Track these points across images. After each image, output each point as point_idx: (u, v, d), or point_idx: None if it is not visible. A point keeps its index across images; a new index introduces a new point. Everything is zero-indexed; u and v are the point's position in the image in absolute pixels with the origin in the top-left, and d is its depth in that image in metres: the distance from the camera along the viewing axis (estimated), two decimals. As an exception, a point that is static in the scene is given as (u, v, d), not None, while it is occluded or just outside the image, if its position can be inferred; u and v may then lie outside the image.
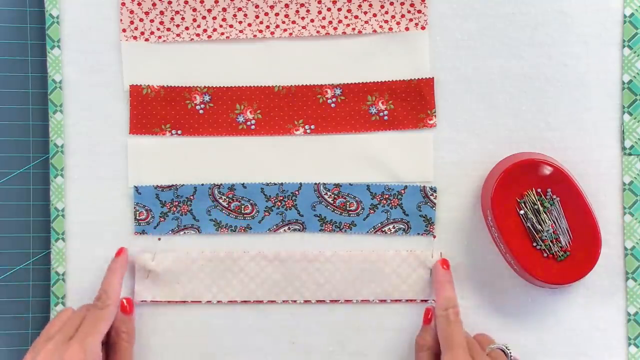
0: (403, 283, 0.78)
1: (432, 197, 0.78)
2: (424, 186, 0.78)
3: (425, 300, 0.78)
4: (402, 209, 0.78)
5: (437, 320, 0.74)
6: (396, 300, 0.78)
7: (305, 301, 0.78)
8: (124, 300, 0.76)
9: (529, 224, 0.75)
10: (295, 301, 0.78)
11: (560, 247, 0.75)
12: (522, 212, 0.75)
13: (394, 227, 0.78)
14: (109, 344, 0.75)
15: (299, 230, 0.79)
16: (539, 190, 0.75)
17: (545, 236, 0.75)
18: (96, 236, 0.79)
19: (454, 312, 0.74)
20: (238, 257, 0.78)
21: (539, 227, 0.75)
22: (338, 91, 0.79)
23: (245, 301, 0.78)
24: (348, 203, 0.79)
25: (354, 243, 0.79)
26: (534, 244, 0.75)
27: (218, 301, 0.78)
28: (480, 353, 0.72)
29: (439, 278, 0.76)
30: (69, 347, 0.70)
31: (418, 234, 0.78)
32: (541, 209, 0.75)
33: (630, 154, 0.78)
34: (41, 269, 0.80)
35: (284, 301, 0.78)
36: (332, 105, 0.79)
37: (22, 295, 0.80)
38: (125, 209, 0.79)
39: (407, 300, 0.78)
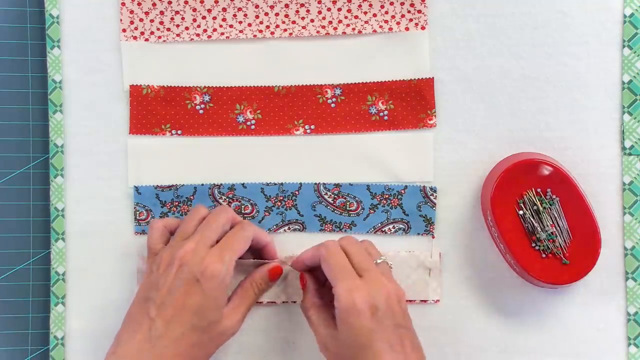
0: (402, 283, 0.78)
1: (432, 197, 0.78)
2: (424, 186, 0.78)
3: (425, 301, 0.78)
4: (402, 209, 0.78)
5: (320, 261, 0.72)
6: (396, 300, 0.78)
7: None
8: (275, 266, 0.76)
9: (528, 224, 0.75)
10: (295, 302, 0.78)
11: (560, 247, 0.75)
12: (521, 212, 0.75)
13: (393, 227, 0.78)
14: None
15: (299, 230, 0.79)
16: (538, 190, 0.75)
17: (545, 236, 0.75)
18: (96, 236, 0.79)
19: (333, 243, 0.72)
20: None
21: (538, 227, 0.75)
22: (338, 91, 0.79)
23: (245, 301, 0.78)
24: (348, 203, 0.79)
25: (354, 243, 0.79)
26: (534, 244, 0.75)
27: (218, 301, 0.78)
28: (369, 268, 0.70)
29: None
30: (210, 253, 0.70)
31: (418, 234, 0.78)
32: (541, 209, 0.75)
33: (630, 154, 0.78)
34: (41, 269, 0.80)
35: (283, 302, 0.78)
36: (332, 105, 0.79)
37: (22, 295, 0.80)
38: (125, 209, 0.79)
39: (406, 301, 0.78)
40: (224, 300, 0.71)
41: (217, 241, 0.72)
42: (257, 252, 0.77)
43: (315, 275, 0.75)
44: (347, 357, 0.68)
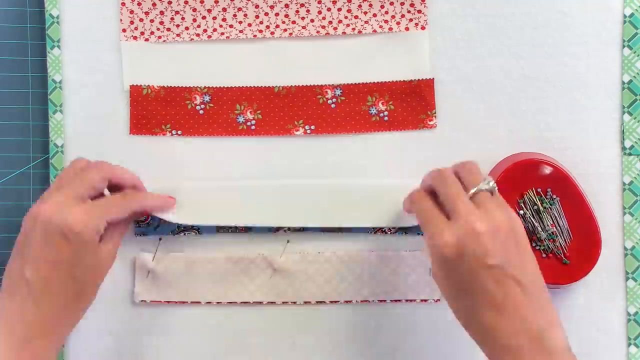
0: (403, 283, 0.78)
1: None
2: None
3: (425, 300, 0.78)
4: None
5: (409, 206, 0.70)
6: (396, 301, 0.78)
7: (305, 302, 0.78)
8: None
9: (528, 224, 0.75)
10: (295, 302, 0.78)
11: (560, 247, 0.75)
12: (521, 212, 0.75)
13: (394, 227, 0.78)
14: None
15: (299, 230, 0.79)
16: (539, 190, 0.75)
17: (545, 236, 0.75)
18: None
19: (418, 190, 0.69)
20: (238, 259, 0.78)
21: (539, 227, 0.75)
22: (338, 91, 0.79)
23: (244, 302, 0.78)
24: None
25: (354, 244, 0.79)
26: (534, 244, 0.75)
27: (218, 302, 0.78)
28: (455, 208, 0.65)
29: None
30: (76, 209, 0.67)
31: (418, 234, 0.78)
32: (541, 208, 0.75)
33: (630, 154, 0.78)
34: (41, 269, 0.80)
35: (283, 302, 0.78)
36: (332, 105, 0.79)
37: (22, 295, 0.80)
38: (125, 209, 0.79)
39: (406, 301, 0.78)
40: (96, 246, 0.68)
41: (92, 199, 0.69)
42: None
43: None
44: (451, 289, 0.65)
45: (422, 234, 0.78)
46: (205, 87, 0.79)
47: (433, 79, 0.78)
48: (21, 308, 0.66)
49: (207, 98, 0.79)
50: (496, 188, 0.66)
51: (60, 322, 0.68)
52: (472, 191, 0.65)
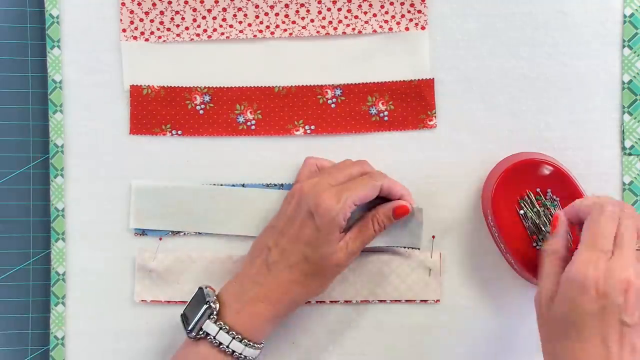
0: (402, 283, 0.78)
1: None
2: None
3: (425, 301, 0.78)
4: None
5: (584, 217, 0.66)
6: (396, 301, 0.78)
7: (305, 302, 0.78)
8: (402, 205, 0.74)
9: (529, 224, 0.75)
10: (295, 301, 0.78)
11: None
12: (522, 212, 0.75)
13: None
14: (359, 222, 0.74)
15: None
16: (539, 190, 0.75)
17: (545, 236, 0.75)
18: (96, 236, 0.79)
19: (613, 205, 0.65)
20: (238, 259, 0.78)
21: (539, 227, 0.75)
22: (338, 91, 0.79)
23: (245, 301, 0.78)
24: None
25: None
26: (535, 244, 0.75)
27: (218, 301, 0.78)
28: (625, 248, 0.63)
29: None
30: (329, 190, 0.70)
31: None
32: (541, 209, 0.75)
33: (630, 154, 0.78)
34: (41, 269, 0.80)
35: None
36: (332, 105, 0.79)
37: (22, 295, 0.80)
38: (125, 209, 0.79)
39: (406, 301, 0.78)
40: (336, 236, 0.71)
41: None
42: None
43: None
44: (554, 325, 0.64)
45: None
46: (205, 87, 0.79)
47: (433, 79, 0.78)
48: (256, 271, 0.72)
49: (207, 98, 0.79)
50: None
51: (286, 295, 0.71)
52: None
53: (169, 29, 0.78)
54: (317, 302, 0.78)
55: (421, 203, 0.77)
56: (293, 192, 0.73)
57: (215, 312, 0.70)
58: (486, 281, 0.78)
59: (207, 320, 0.70)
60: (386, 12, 0.78)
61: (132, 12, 0.78)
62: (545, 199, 0.75)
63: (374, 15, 0.78)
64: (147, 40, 0.79)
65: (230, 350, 0.70)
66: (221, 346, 0.69)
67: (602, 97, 0.78)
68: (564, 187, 0.74)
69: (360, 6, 0.78)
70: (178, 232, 0.79)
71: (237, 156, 0.79)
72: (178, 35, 0.79)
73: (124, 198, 0.79)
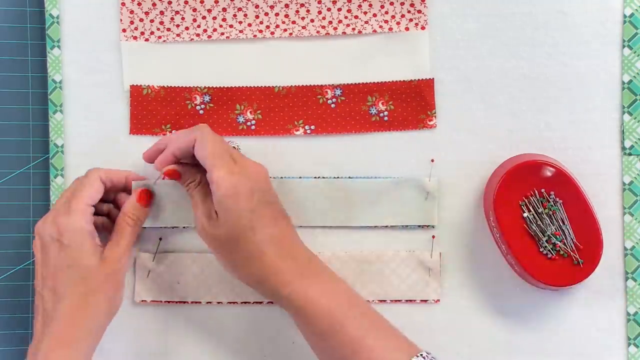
0: (402, 283, 0.78)
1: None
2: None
3: (425, 301, 0.78)
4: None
5: (193, 147, 0.71)
6: (396, 301, 0.78)
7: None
8: (141, 191, 0.75)
9: (532, 226, 0.75)
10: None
11: (563, 249, 0.75)
12: (525, 214, 0.75)
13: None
14: (113, 224, 0.75)
15: (299, 228, 0.79)
16: (542, 191, 0.75)
17: (549, 238, 0.75)
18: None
19: (200, 129, 0.72)
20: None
21: (543, 229, 0.74)
22: (338, 91, 0.79)
23: (245, 302, 0.78)
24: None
25: (353, 243, 0.79)
26: (539, 246, 0.75)
27: (218, 302, 0.78)
28: (236, 153, 0.72)
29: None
30: (57, 210, 0.71)
31: (418, 226, 0.78)
32: (545, 210, 0.74)
33: (630, 154, 0.78)
34: (41, 269, 0.80)
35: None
36: (332, 105, 0.79)
37: (22, 295, 0.80)
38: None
39: (406, 301, 0.78)
40: (92, 247, 0.71)
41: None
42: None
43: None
44: (227, 239, 0.69)
45: (422, 227, 0.78)
46: (205, 87, 0.79)
47: (433, 79, 0.78)
48: (40, 325, 0.70)
49: (207, 98, 0.79)
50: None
51: (77, 328, 0.70)
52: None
53: (169, 29, 0.78)
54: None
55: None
56: (35, 239, 0.72)
57: None
58: (486, 281, 0.78)
59: None
60: (386, 12, 0.78)
61: (132, 12, 0.78)
62: (549, 200, 0.75)
63: (374, 15, 0.78)
64: (147, 40, 0.79)
65: None
66: None
67: (602, 97, 0.78)
68: (566, 188, 0.74)
69: (360, 6, 0.78)
70: (177, 228, 0.78)
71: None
72: (178, 35, 0.79)
73: (124, 198, 0.79)
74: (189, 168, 0.73)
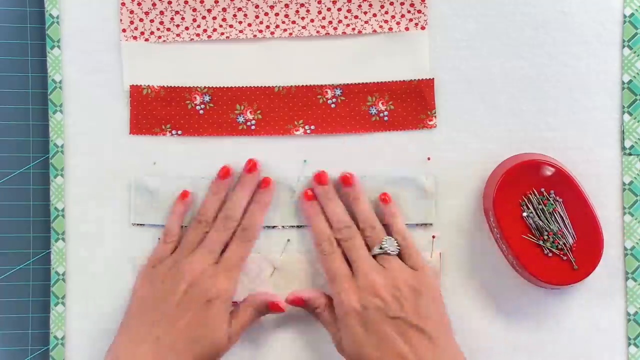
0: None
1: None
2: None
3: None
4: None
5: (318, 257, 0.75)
6: (396, 300, 0.78)
7: None
8: (276, 303, 0.76)
9: (533, 225, 0.75)
10: (295, 301, 0.78)
11: (563, 248, 0.75)
12: (525, 213, 0.75)
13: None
14: None
15: (299, 227, 0.79)
16: (542, 190, 0.75)
17: (549, 237, 0.75)
18: (96, 236, 0.79)
19: (328, 243, 0.74)
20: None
21: (542, 228, 0.74)
22: (338, 92, 0.79)
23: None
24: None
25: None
26: (539, 246, 0.75)
27: (218, 301, 0.78)
28: (358, 261, 0.72)
29: (306, 212, 0.77)
30: (218, 274, 0.72)
31: (417, 226, 0.78)
32: (545, 209, 0.74)
33: (630, 154, 0.78)
34: (41, 269, 0.80)
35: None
36: (332, 105, 0.79)
37: (22, 295, 0.80)
38: (125, 209, 0.79)
39: (407, 300, 0.78)
40: (227, 322, 0.72)
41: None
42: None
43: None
44: (356, 356, 0.70)
45: (420, 225, 0.78)
46: (205, 87, 0.79)
47: (433, 79, 0.78)
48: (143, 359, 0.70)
49: (207, 98, 0.79)
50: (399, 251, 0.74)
51: None
52: (376, 251, 0.74)
53: (169, 29, 0.78)
54: (317, 302, 0.78)
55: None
56: (174, 276, 0.72)
57: None
58: (486, 281, 0.78)
59: None
60: (386, 12, 0.78)
61: (132, 12, 0.78)
62: (549, 199, 0.75)
63: (374, 15, 0.78)
64: (147, 40, 0.79)
65: None
66: None
67: (602, 97, 0.78)
68: (566, 188, 0.74)
69: (360, 6, 0.78)
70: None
71: (237, 156, 0.79)
72: (178, 35, 0.79)
73: (124, 198, 0.79)
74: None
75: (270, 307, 0.75)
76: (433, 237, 0.78)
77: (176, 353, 0.70)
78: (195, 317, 0.71)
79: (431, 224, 0.78)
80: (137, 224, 0.79)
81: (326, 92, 0.79)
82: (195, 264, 0.73)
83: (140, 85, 0.79)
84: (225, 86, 0.79)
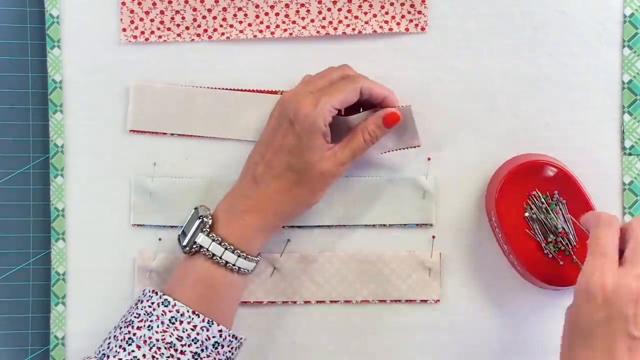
0: (403, 283, 0.78)
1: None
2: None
3: (425, 301, 0.78)
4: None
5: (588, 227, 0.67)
6: (396, 301, 0.78)
7: (305, 302, 0.78)
8: (390, 113, 0.73)
9: (534, 226, 0.75)
10: (295, 302, 0.78)
11: (565, 248, 0.75)
12: (527, 214, 0.74)
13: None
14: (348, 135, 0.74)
15: (299, 227, 0.79)
16: (546, 191, 0.75)
17: (552, 238, 0.74)
18: (96, 236, 0.79)
19: (601, 217, 0.66)
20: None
21: (544, 228, 0.74)
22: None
23: (245, 302, 0.78)
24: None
25: (353, 243, 0.78)
26: (540, 247, 0.74)
27: (218, 301, 0.78)
28: (637, 262, 0.62)
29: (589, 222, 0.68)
30: (307, 96, 0.71)
31: (417, 226, 0.78)
32: (548, 209, 0.74)
33: (630, 154, 0.78)
34: (41, 269, 0.80)
35: (283, 302, 0.78)
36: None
37: (22, 295, 0.80)
38: (125, 209, 0.79)
39: (406, 301, 0.78)
40: (319, 143, 0.71)
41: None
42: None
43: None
44: (569, 336, 0.64)
45: (420, 225, 0.78)
46: (207, 87, 0.79)
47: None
48: (245, 186, 0.73)
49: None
50: None
51: (275, 205, 0.72)
52: None
53: (169, 29, 0.78)
54: (316, 302, 0.78)
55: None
56: (276, 105, 0.74)
57: (208, 226, 0.71)
58: (486, 281, 0.78)
59: (200, 234, 0.71)
60: (386, 13, 0.78)
61: (132, 11, 0.78)
62: (552, 200, 0.75)
63: (374, 15, 0.78)
64: (147, 40, 0.79)
65: (224, 261, 0.71)
66: (214, 258, 0.71)
67: (602, 97, 0.78)
68: (568, 188, 0.74)
69: (360, 7, 0.78)
70: (177, 227, 0.78)
71: (237, 156, 0.78)
72: (179, 35, 0.79)
73: (124, 198, 0.79)
74: None
75: (386, 120, 0.73)
76: (433, 237, 0.78)
77: (271, 174, 0.72)
78: (284, 136, 0.71)
79: (431, 224, 0.78)
80: (137, 224, 0.79)
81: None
82: (290, 90, 0.74)
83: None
84: (226, 87, 0.79)
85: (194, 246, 0.71)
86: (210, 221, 0.72)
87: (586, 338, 0.62)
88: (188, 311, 0.69)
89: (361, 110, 0.75)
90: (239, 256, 0.71)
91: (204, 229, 0.71)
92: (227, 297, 0.73)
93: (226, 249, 0.71)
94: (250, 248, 0.72)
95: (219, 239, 0.71)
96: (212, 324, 0.70)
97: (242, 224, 0.72)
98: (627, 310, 0.60)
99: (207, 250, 0.71)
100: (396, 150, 0.76)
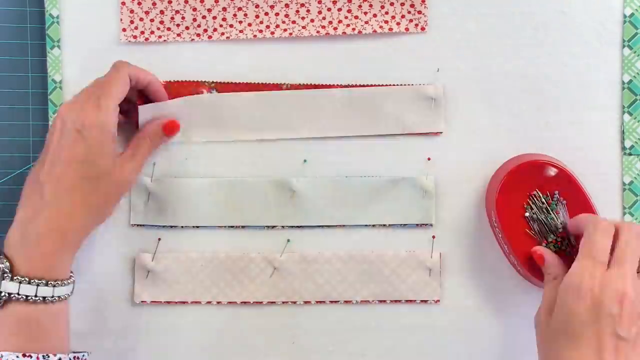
0: (402, 283, 0.78)
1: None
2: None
3: (425, 301, 0.78)
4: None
5: (582, 230, 0.68)
6: (396, 301, 0.78)
7: (305, 302, 0.78)
8: (169, 122, 0.76)
9: (535, 226, 0.75)
10: (295, 302, 0.78)
11: (565, 248, 0.74)
12: (527, 214, 0.74)
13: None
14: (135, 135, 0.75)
15: (299, 227, 0.79)
16: (547, 191, 0.75)
17: (552, 238, 0.74)
18: (96, 236, 0.79)
19: (596, 221, 0.68)
20: (237, 259, 0.78)
21: (545, 228, 0.74)
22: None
23: (244, 302, 0.78)
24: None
25: (353, 243, 0.78)
26: (543, 246, 0.74)
27: (218, 302, 0.78)
28: (624, 263, 0.64)
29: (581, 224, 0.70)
30: (86, 103, 0.70)
31: (418, 226, 0.78)
32: (549, 209, 0.74)
33: (630, 154, 0.78)
34: (41, 269, 0.80)
35: (283, 302, 0.78)
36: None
37: (22, 295, 0.80)
38: (125, 208, 0.79)
39: (406, 301, 0.78)
40: (111, 149, 0.71)
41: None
42: (143, 93, 0.77)
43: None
44: (552, 336, 0.65)
45: (420, 225, 0.78)
46: (212, 82, 0.79)
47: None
48: (33, 210, 0.69)
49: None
50: None
51: (71, 221, 0.69)
52: None
53: (169, 29, 0.78)
54: (316, 302, 0.78)
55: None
56: (55, 119, 0.71)
57: (8, 271, 0.67)
58: (486, 281, 0.78)
59: (3, 282, 0.66)
60: (386, 13, 0.78)
61: (132, 11, 0.78)
62: (552, 200, 0.75)
63: (374, 15, 0.78)
64: (147, 39, 0.79)
65: (40, 297, 0.67)
66: (29, 298, 0.67)
67: (602, 97, 0.78)
68: (568, 189, 0.74)
69: (360, 6, 0.78)
70: (177, 227, 0.78)
71: (237, 156, 0.79)
72: (178, 35, 0.79)
73: (124, 198, 0.79)
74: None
75: (165, 129, 0.75)
76: (433, 237, 0.78)
77: (63, 188, 0.69)
78: (72, 148, 0.69)
79: (431, 224, 0.78)
80: (137, 224, 0.79)
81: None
82: (66, 102, 0.72)
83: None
84: (229, 82, 0.79)
85: (3, 296, 0.67)
86: (7, 265, 0.67)
87: (573, 338, 0.63)
88: (18, 357, 0.66)
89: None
90: (54, 287, 0.68)
91: (5, 275, 0.67)
92: (55, 326, 0.70)
93: (38, 285, 0.67)
94: (60, 274, 0.69)
95: (26, 278, 0.67)
96: (49, 357, 0.67)
97: (42, 252, 0.68)
98: (613, 310, 0.62)
99: (18, 295, 0.67)
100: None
